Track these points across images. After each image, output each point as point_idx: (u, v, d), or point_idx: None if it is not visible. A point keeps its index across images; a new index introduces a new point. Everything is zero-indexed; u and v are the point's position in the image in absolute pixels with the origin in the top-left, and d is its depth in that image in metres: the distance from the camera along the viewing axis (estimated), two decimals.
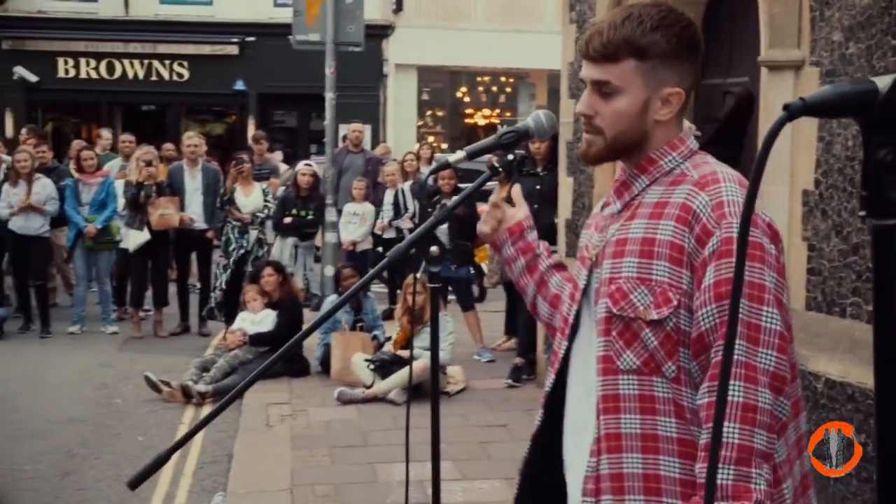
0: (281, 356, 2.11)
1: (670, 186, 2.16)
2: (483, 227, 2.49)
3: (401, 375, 8.21)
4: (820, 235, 5.44)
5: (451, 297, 10.21)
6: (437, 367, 2.49)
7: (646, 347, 2.10)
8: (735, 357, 1.98)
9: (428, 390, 7.90)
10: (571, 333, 2.31)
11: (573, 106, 8.23)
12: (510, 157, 2.24)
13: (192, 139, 11.58)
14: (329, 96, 10.89)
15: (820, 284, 5.46)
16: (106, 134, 14.90)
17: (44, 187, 11.06)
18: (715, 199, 2.07)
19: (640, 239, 2.13)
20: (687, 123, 6.36)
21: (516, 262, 2.54)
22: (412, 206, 11.27)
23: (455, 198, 2.31)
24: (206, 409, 8.35)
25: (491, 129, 24.52)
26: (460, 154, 2.21)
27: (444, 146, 22.92)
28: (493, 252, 9.97)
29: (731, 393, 1.98)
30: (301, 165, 11.43)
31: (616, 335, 2.14)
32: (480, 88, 24.61)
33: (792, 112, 1.28)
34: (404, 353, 8.44)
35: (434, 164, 2.43)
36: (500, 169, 2.27)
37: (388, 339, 8.81)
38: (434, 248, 2.25)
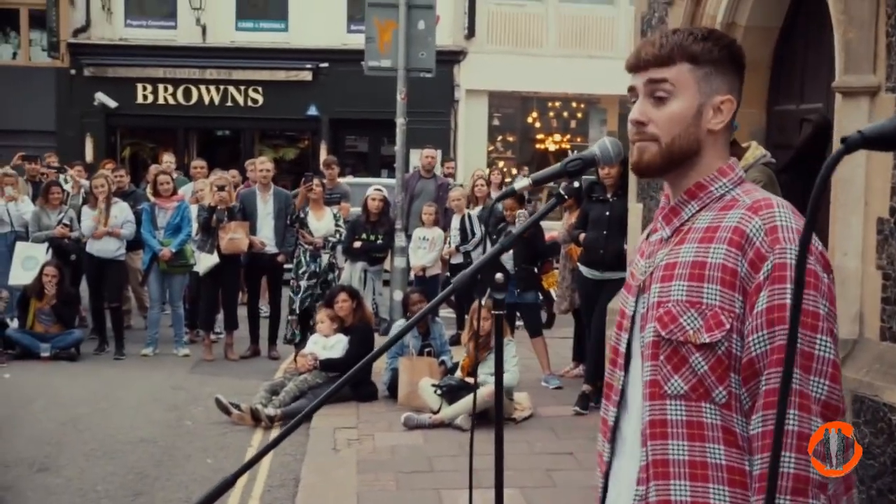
0: (348, 380, 2.11)
1: (721, 211, 2.14)
2: None
3: (468, 401, 8.17)
4: (895, 264, 5.32)
5: (518, 322, 10.16)
6: (501, 392, 2.46)
7: (694, 372, 2.07)
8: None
9: (494, 416, 7.89)
10: (625, 363, 2.27)
11: None
12: (576, 184, 2.22)
13: (265, 164, 11.72)
14: (400, 122, 10.95)
15: (895, 314, 5.33)
16: (167, 158, 15.10)
17: (121, 211, 11.29)
18: (769, 223, 2.05)
19: (689, 262, 2.11)
20: (761, 149, 6.28)
21: None
22: (479, 231, 11.26)
23: (521, 224, 2.29)
24: (275, 433, 8.39)
25: (562, 154, 24.47)
26: (526, 181, 2.20)
27: (515, 171, 22.91)
28: (561, 278, 9.98)
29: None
30: (371, 190, 11.50)
31: (664, 359, 2.12)
32: (551, 114, 24.58)
33: (849, 145, 1.25)
34: (471, 379, 8.42)
35: (502, 191, 2.41)
36: (567, 196, 2.26)
37: (456, 364, 8.80)
38: (499, 275, 2.23)
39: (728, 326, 2.04)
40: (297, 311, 10.67)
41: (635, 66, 2.20)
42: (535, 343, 9.71)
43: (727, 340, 2.04)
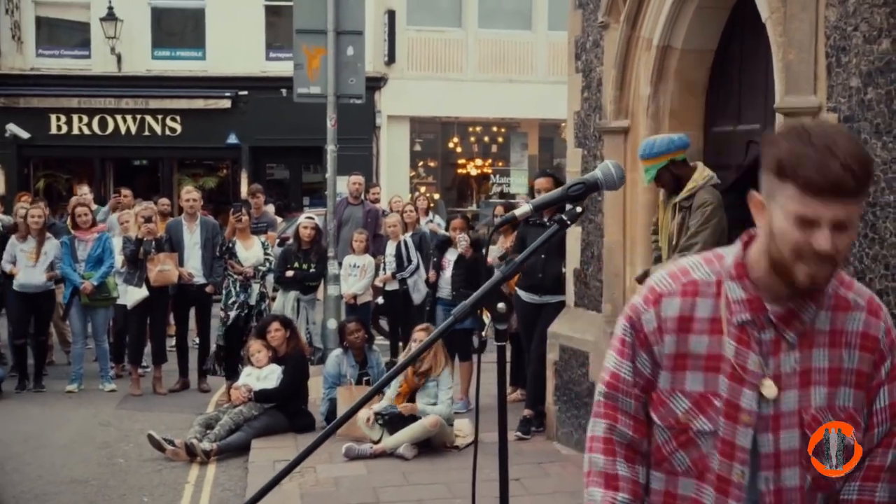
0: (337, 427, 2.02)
1: (835, 311, 2.19)
2: None
3: (409, 430, 8.08)
4: None
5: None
6: (505, 438, 2.38)
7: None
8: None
9: (437, 444, 7.80)
10: (753, 459, 2.20)
11: (579, 154, 8.19)
12: (578, 209, 2.16)
13: (191, 193, 11.52)
14: (330, 148, 10.85)
15: None
16: (82, 189, 14.77)
17: (52, 247, 10.99)
18: (886, 323, 2.21)
19: (825, 369, 2.18)
20: (708, 170, 6.30)
21: None
22: (415, 257, 11.18)
23: (523, 253, 2.21)
24: (212, 468, 8.20)
25: (483, 178, 24.57)
26: (527, 207, 2.14)
27: (437, 196, 22.92)
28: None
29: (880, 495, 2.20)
30: (303, 219, 11.36)
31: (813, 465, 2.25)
32: (472, 138, 24.68)
33: None
34: (410, 407, 8.32)
35: (499, 219, 2.34)
36: (570, 222, 2.20)
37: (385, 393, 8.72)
38: (501, 305, 2.16)
39: (862, 426, 2.20)
40: (222, 343, 10.47)
41: (833, 191, 1.98)
42: (462, 367, 9.64)
43: (858, 440, 2.20)
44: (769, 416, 2.16)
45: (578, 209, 2.17)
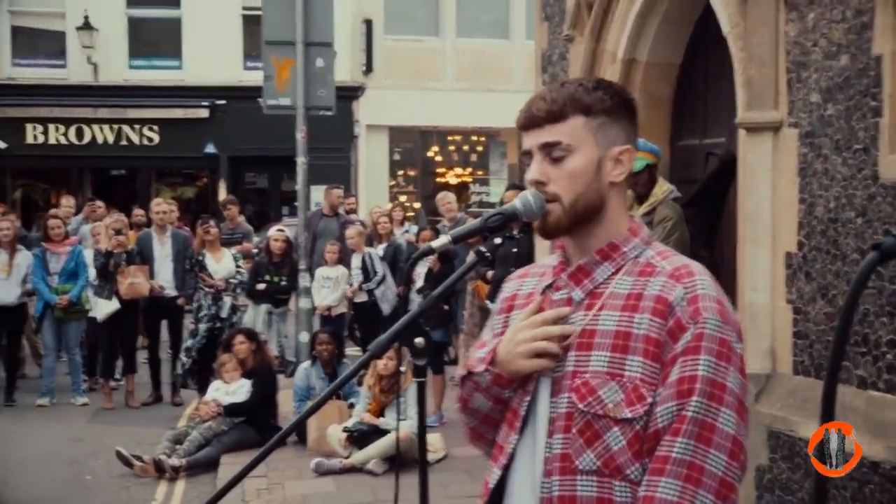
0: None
1: (640, 277, 2.06)
2: (526, 361, 2.11)
3: (379, 445, 8.04)
4: (805, 298, 5.36)
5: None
6: (424, 455, 2.34)
7: (608, 448, 1.98)
8: (678, 456, 1.91)
9: (408, 459, 7.77)
10: (522, 426, 2.14)
11: None
12: (497, 240, 2.13)
13: (161, 205, 11.47)
14: (301, 160, 10.79)
15: (807, 348, 5.37)
16: (66, 201, 14.71)
17: (24, 259, 10.91)
18: (690, 292, 2.00)
19: (612, 332, 2.02)
20: (668, 184, 6.31)
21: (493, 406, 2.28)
22: (381, 269, 11.11)
23: (440, 287, 2.18)
24: (181, 484, 8.14)
25: (463, 187, 24.53)
26: (444, 239, 2.10)
27: (417, 205, 22.86)
28: (468, 314, 9.90)
29: (662, 491, 1.91)
30: (273, 231, 11.32)
31: (576, 432, 2.02)
32: (452, 147, 24.63)
33: (885, 251, 1.18)
34: (379, 422, 8.28)
35: (419, 251, 2.30)
36: (489, 254, 2.16)
37: (351, 405, 8.67)
38: (419, 340, 2.12)
39: (650, 401, 1.96)
40: (194, 356, 10.38)
41: (528, 124, 2.12)
42: (435, 380, 9.60)
43: (647, 415, 1.96)
44: (556, 378, 2.08)
45: (497, 240, 2.14)
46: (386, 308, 11.01)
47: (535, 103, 2.12)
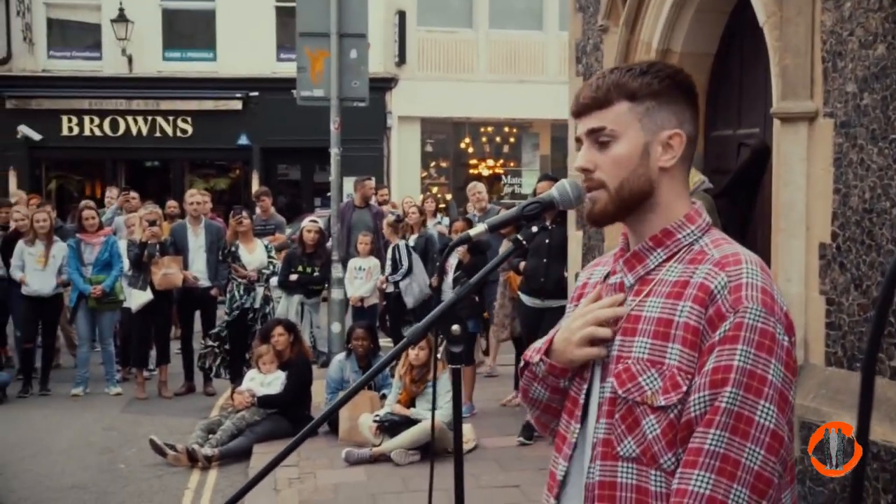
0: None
1: (690, 265, 2.03)
2: (579, 350, 2.11)
3: (410, 433, 8.05)
4: (839, 289, 5.31)
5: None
6: (460, 446, 2.34)
7: (645, 436, 1.97)
8: (712, 448, 1.87)
9: (438, 449, 7.77)
10: (582, 415, 2.13)
11: None
12: (534, 228, 2.13)
13: (195, 196, 11.53)
14: (334, 151, 10.81)
15: (840, 339, 5.32)
16: (109, 193, 14.92)
17: (60, 250, 11.02)
18: (734, 281, 1.95)
19: (655, 319, 2.00)
20: (700, 175, 6.27)
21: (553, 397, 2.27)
22: (406, 262, 11.09)
23: (477, 275, 2.17)
24: (213, 473, 8.19)
25: (495, 178, 24.51)
26: (481, 227, 2.09)
27: (449, 197, 22.87)
28: (499, 306, 9.89)
29: (695, 484, 1.88)
30: (307, 222, 11.35)
31: (619, 418, 2.01)
32: (484, 139, 24.63)
33: None
34: (410, 412, 8.30)
35: (455, 239, 2.29)
36: (525, 242, 2.16)
37: (383, 396, 8.69)
38: (455, 327, 2.11)
39: (684, 389, 1.93)
40: (218, 343, 10.39)
41: (577, 112, 2.13)
42: (466, 371, 9.59)
43: (681, 404, 1.94)
44: (605, 363, 2.08)
45: (534, 228, 2.14)
46: (409, 301, 10.99)
47: (582, 91, 2.12)
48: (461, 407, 2.27)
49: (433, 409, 3.15)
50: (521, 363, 2.26)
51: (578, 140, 2.14)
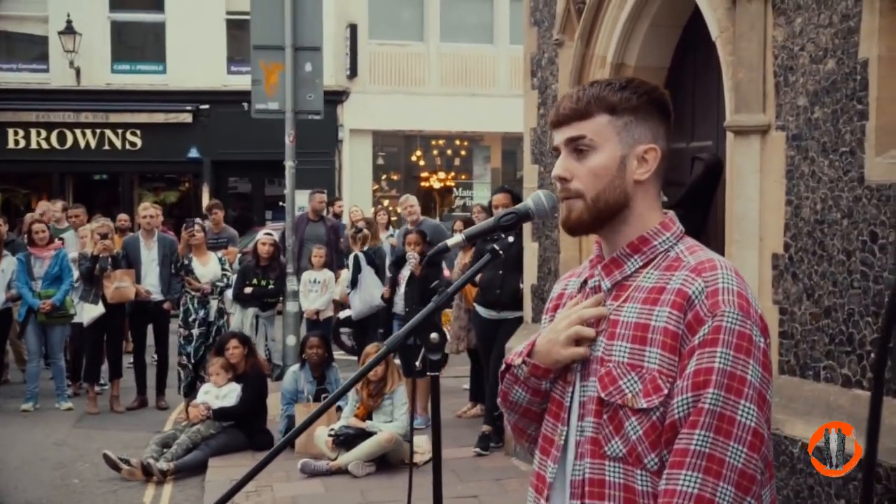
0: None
1: (666, 271, 2.09)
2: (565, 350, 2.16)
3: (365, 446, 8.07)
4: (791, 299, 5.42)
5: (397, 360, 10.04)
6: (438, 464, 2.37)
7: (629, 437, 2.03)
8: (698, 448, 1.94)
9: (395, 461, 7.77)
10: (568, 417, 2.19)
11: (536, 170, 8.24)
12: (510, 238, 2.17)
13: (148, 209, 11.46)
14: (289, 164, 10.79)
15: (792, 348, 5.43)
16: (53, 206, 14.69)
17: (10, 264, 10.88)
18: (711, 286, 2.02)
19: (632, 324, 2.07)
20: None
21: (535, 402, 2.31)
22: (352, 273, 11.05)
23: (455, 283, 2.21)
24: (168, 488, 8.13)
25: (447, 191, 24.59)
26: (459, 238, 2.14)
27: (400, 210, 22.85)
28: (455, 317, 9.92)
29: (683, 483, 1.94)
30: (261, 235, 11.32)
31: (607, 419, 2.07)
32: (435, 152, 24.70)
33: None
34: (365, 425, 8.31)
35: (435, 247, 2.33)
36: (502, 253, 2.20)
37: (339, 409, 8.68)
38: (434, 335, 2.15)
39: (665, 392, 2.00)
40: (192, 361, 10.37)
41: (556, 122, 2.18)
42: (421, 383, 9.61)
43: (664, 406, 2.00)
44: (586, 362, 2.14)
45: (510, 239, 2.18)
46: (354, 313, 10.99)
47: (562, 102, 2.19)
48: (439, 416, 2.31)
49: (410, 424, 3.17)
50: (503, 367, 2.30)
51: (556, 150, 2.19)
